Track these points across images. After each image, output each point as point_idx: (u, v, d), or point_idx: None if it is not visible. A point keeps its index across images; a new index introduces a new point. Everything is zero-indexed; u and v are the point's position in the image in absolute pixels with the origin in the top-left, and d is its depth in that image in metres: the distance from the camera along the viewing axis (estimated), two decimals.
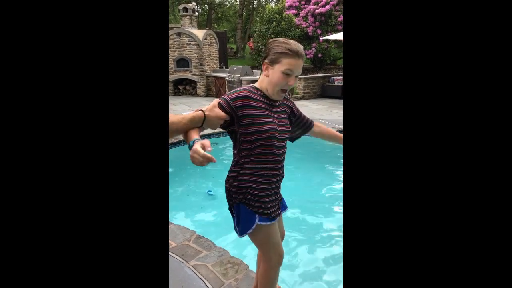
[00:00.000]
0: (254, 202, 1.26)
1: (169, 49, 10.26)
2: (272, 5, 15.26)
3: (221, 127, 1.23)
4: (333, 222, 2.87)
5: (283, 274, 2.06)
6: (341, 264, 2.18)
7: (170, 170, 4.23)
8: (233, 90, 1.22)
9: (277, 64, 1.18)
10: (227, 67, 11.56)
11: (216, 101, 1.20)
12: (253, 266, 1.98)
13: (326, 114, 6.89)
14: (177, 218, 2.90)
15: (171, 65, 10.36)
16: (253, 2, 20.57)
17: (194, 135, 1.11)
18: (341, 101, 8.55)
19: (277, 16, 10.79)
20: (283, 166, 1.33)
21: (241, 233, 1.30)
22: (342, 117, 6.54)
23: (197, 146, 1.01)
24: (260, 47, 11.08)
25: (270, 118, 1.22)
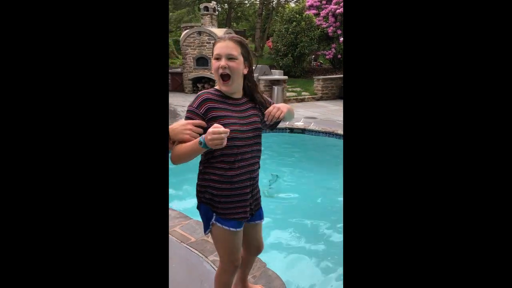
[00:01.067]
0: (213, 202, 1.26)
1: (189, 48, 10.41)
2: (292, 4, 15.19)
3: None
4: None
5: (288, 275, 2.08)
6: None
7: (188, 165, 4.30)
8: (194, 98, 1.22)
9: (212, 55, 1.23)
10: None
11: (180, 122, 1.19)
12: (270, 265, 2.01)
13: None
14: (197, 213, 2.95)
15: (191, 63, 10.51)
16: (272, 2, 20.55)
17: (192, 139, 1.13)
18: None
19: (297, 16, 10.74)
20: (253, 170, 1.28)
21: (204, 230, 1.33)
22: None
23: (212, 129, 1.05)
24: (279, 46, 11.06)
25: (231, 119, 1.21)
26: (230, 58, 1.19)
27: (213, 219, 1.28)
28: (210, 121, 1.18)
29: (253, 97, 1.31)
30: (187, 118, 1.20)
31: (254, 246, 1.50)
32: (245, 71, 1.24)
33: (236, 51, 1.20)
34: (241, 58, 1.21)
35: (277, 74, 8.23)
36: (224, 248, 1.34)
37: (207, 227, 1.31)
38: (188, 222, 2.51)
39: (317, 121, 6.08)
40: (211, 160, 1.24)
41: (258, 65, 8.84)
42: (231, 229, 1.28)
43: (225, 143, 1.06)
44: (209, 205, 1.28)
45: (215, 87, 1.29)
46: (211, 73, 10.36)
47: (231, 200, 1.27)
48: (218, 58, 1.20)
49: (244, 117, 1.25)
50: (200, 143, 1.09)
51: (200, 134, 1.14)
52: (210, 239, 2.29)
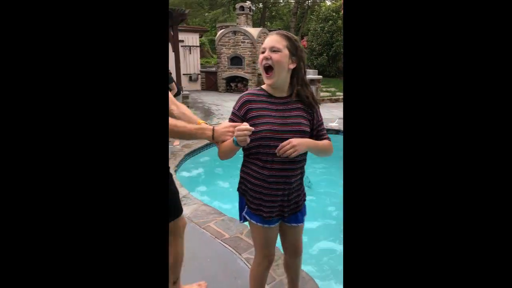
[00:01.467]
0: (247, 194, 1.32)
1: (224, 47, 10.57)
2: (328, 2, 14.90)
3: None
4: None
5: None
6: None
7: (225, 164, 4.38)
8: (238, 99, 1.28)
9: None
10: None
11: (223, 124, 1.28)
12: (304, 266, 1.98)
13: None
14: (230, 210, 3.00)
15: (225, 62, 10.67)
16: (308, 0, 20.30)
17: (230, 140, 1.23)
18: None
19: (333, 14, 10.52)
20: (290, 175, 1.25)
21: (239, 218, 1.39)
22: None
23: (238, 127, 1.15)
24: (314, 46, 10.91)
25: (267, 118, 1.21)
26: (274, 50, 1.19)
27: (244, 211, 1.34)
28: (248, 121, 1.21)
29: (301, 97, 1.26)
30: (230, 119, 1.29)
31: (290, 248, 1.50)
32: (291, 66, 1.22)
33: (280, 44, 1.19)
34: (285, 52, 1.19)
35: (311, 74, 8.11)
36: (258, 242, 1.37)
37: (240, 216, 1.38)
38: (222, 219, 2.55)
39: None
40: (250, 155, 1.28)
41: None
42: (258, 224, 1.30)
43: (248, 140, 1.14)
44: (244, 196, 1.34)
45: (260, 87, 1.30)
46: (244, 72, 10.47)
47: (260, 197, 1.28)
48: (263, 52, 1.21)
49: (285, 117, 1.23)
50: (233, 141, 1.18)
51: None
52: (243, 236, 2.31)
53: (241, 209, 1.36)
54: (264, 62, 1.20)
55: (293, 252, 1.51)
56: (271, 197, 1.27)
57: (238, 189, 1.37)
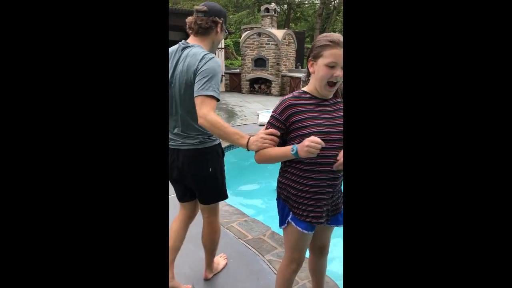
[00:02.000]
0: (290, 200, 1.28)
1: (249, 49, 10.63)
2: None
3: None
4: None
5: None
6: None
7: (248, 165, 4.40)
8: (278, 103, 1.23)
9: (319, 58, 1.15)
10: (303, 67, 11.49)
11: (262, 131, 1.25)
12: (329, 272, 1.95)
13: None
14: (253, 211, 3.01)
15: (249, 64, 10.73)
16: (334, 1, 20.03)
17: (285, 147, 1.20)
18: None
19: None
20: (336, 177, 1.24)
21: (279, 224, 1.35)
22: None
23: (310, 138, 1.10)
24: None
25: (315, 120, 1.19)
26: (341, 67, 1.15)
27: (289, 218, 1.29)
28: (292, 126, 1.19)
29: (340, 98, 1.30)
30: (269, 123, 1.25)
31: (320, 248, 1.49)
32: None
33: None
34: None
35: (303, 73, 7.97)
36: (293, 246, 1.35)
37: (282, 222, 1.33)
38: (245, 219, 2.56)
39: None
40: (292, 161, 1.23)
41: None
42: (304, 231, 1.28)
43: (316, 152, 1.10)
44: (287, 203, 1.29)
45: (302, 90, 1.27)
46: (268, 74, 10.47)
47: (307, 203, 1.25)
48: (333, 66, 1.14)
49: (331, 118, 1.22)
50: (293, 150, 1.14)
51: (278, 141, 1.23)
52: (266, 238, 2.30)
53: (284, 216, 1.31)
54: (334, 79, 1.15)
55: (321, 252, 1.51)
56: (318, 201, 1.25)
57: (279, 196, 1.33)
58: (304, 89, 1.27)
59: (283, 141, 1.25)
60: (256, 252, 2.12)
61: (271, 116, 1.25)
